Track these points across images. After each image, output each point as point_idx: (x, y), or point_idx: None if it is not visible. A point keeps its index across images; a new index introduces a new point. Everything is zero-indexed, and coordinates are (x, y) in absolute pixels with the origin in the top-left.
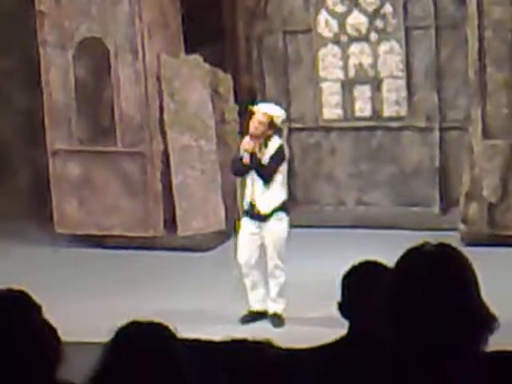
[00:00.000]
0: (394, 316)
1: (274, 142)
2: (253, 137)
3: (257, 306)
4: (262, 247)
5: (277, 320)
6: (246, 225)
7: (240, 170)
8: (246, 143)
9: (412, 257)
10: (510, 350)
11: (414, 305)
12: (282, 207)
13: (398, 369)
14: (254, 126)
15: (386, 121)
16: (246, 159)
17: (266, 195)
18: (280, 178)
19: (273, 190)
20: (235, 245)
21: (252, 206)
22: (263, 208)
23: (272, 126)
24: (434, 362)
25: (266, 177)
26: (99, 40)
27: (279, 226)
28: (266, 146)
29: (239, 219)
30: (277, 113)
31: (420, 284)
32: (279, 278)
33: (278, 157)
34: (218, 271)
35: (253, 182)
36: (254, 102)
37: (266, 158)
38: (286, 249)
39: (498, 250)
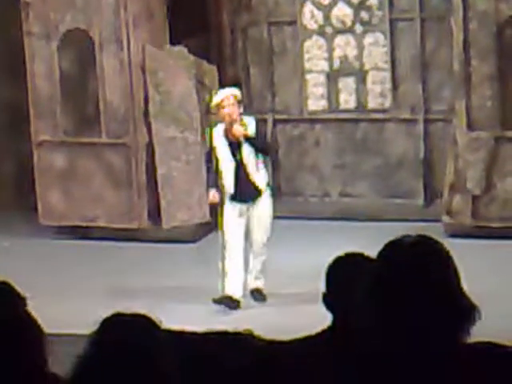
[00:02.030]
0: (374, 307)
1: (249, 121)
2: (233, 123)
3: (235, 294)
4: (246, 230)
5: (259, 295)
6: (232, 209)
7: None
8: (237, 130)
9: (392, 249)
10: (492, 341)
11: (395, 297)
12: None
13: (379, 361)
14: (229, 112)
15: (370, 113)
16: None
17: (260, 171)
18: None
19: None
20: (220, 235)
21: (246, 185)
22: (260, 184)
23: (240, 104)
24: (416, 353)
25: (270, 150)
26: (84, 31)
27: (269, 200)
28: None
29: (221, 205)
30: (236, 91)
31: (400, 276)
32: (263, 256)
33: (261, 132)
34: (202, 263)
35: (240, 164)
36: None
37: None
38: (270, 240)
39: (481, 241)
